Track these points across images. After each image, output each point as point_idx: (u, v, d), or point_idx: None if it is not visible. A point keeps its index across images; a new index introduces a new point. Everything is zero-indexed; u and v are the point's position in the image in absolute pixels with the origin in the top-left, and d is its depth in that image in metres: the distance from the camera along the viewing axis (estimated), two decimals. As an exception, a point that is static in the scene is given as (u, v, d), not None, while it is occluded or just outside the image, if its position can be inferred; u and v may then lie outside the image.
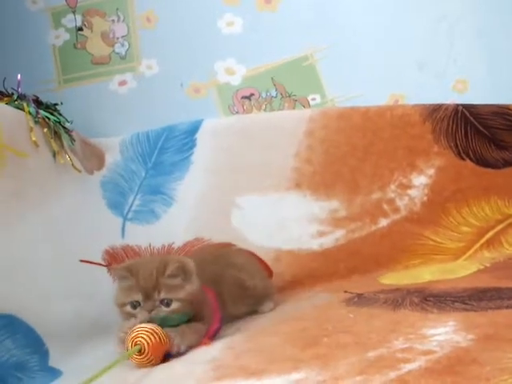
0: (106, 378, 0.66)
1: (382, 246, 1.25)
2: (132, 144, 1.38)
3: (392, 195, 1.29)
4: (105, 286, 0.95)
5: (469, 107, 1.32)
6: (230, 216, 1.30)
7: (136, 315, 0.78)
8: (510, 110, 1.32)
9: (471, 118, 1.31)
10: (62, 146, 1.16)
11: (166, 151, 1.37)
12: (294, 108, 1.46)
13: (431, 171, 1.29)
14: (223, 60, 1.49)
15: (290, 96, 1.47)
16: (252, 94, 1.48)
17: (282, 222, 1.30)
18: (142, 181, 1.33)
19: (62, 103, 1.23)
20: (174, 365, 0.70)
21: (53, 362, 0.82)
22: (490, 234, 1.24)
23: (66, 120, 1.24)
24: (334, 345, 0.66)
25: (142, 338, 0.71)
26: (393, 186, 1.29)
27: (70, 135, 1.22)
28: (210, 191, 1.32)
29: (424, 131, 1.32)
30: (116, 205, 1.27)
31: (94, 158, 1.33)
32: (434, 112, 1.33)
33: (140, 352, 0.71)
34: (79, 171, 1.17)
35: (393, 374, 0.51)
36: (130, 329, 0.74)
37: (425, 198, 1.28)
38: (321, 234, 1.28)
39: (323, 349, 0.65)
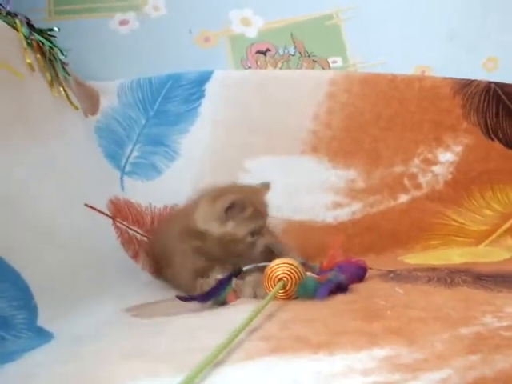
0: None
1: (401, 222, 1.16)
2: (132, 89, 1.23)
3: (415, 170, 1.20)
4: (109, 239, 0.81)
5: (502, 86, 1.23)
6: (238, 179, 1.17)
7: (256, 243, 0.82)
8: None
9: (504, 97, 1.22)
10: (56, 76, 1.00)
11: (171, 100, 1.22)
12: (313, 69, 1.34)
13: (459, 148, 1.20)
14: (240, 9, 1.35)
15: (309, 56, 1.34)
16: (268, 50, 1.35)
17: (294, 189, 1.18)
18: (142, 129, 1.19)
19: (59, 29, 1.07)
20: (211, 334, 0.58)
21: (42, 320, 0.67)
22: (513, 220, 1.17)
23: (61, 52, 1.07)
24: (406, 319, 0.55)
25: (285, 273, 0.70)
26: (417, 161, 1.20)
27: (64, 68, 1.06)
28: (218, 148, 1.19)
29: (454, 105, 1.22)
30: (113, 155, 1.12)
31: (87, 100, 1.17)
32: (465, 87, 1.23)
33: (284, 287, 0.69)
34: (76, 108, 1.02)
35: (521, 356, 0.41)
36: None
37: (449, 177, 1.19)
38: (336, 205, 1.17)
39: (394, 323, 0.54)
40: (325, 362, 0.44)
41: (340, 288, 0.72)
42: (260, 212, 0.84)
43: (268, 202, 0.88)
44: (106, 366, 0.50)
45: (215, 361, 0.44)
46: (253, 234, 0.82)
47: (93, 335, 0.65)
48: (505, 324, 0.50)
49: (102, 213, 0.89)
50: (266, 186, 0.91)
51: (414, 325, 0.53)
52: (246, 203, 0.81)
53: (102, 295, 0.79)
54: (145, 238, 1.03)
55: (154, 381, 0.44)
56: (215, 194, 0.83)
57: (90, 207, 0.85)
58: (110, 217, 0.93)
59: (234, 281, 0.74)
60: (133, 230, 1.00)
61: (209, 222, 0.82)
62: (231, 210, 0.80)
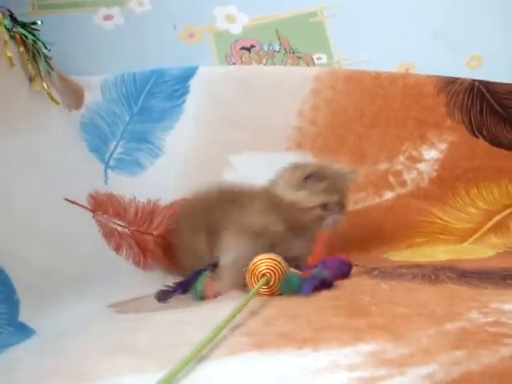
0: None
1: (386, 220, 1.16)
2: (116, 85, 1.21)
3: (399, 167, 1.20)
4: (90, 234, 0.79)
5: (485, 84, 1.24)
6: (223, 176, 1.16)
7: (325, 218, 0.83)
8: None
9: (488, 96, 1.23)
10: (38, 70, 0.98)
11: (155, 96, 1.20)
12: (297, 65, 1.33)
13: (443, 146, 1.20)
14: (224, 5, 1.33)
15: (294, 52, 1.34)
16: (253, 46, 1.34)
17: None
18: (126, 126, 1.17)
19: (42, 23, 1.04)
20: (195, 330, 0.57)
21: (23, 316, 0.66)
22: (497, 218, 1.18)
23: (45, 46, 1.05)
24: (391, 315, 0.54)
25: (268, 268, 0.69)
26: (401, 158, 1.20)
27: (47, 62, 1.04)
28: (202, 144, 1.17)
29: (437, 103, 1.22)
30: (97, 150, 1.10)
31: (71, 95, 1.15)
32: (448, 85, 1.24)
33: (267, 283, 0.69)
34: (57, 103, 0.99)
35: (507, 350, 0.40)
36: None
37: (434, 174, 1.19)
38: (321, 202, 1.17)
39: (379, 319, 0.54)
40: (309, 358, 0.43)
41: (324, 284, 0.71)
42: (336, 188, 0.84)
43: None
44: (89, 362, 0.49)
45: (199, 356, 0.44)
46: (324, 207, 0.83)
47: (76, 330, 0.64)
48: (490, 320, 0.50)
49: (82, 206, 0.88)
50: (353, 173, 0.93)
51: (399, 321, 0.52)
52: (324, 176, 0.83)
53: (85, 289, 0.78)
54: (126, 230, 1.02)
55: (138, 376, 0.43)
56: (297, 166, 0.86)
57: (70, 201, 0.83)
58: (90, 210, 0.91)
59: (209, 272, 0.75)
60: (114, 222, 0.99)
61: (285, 189, 0.84)
62: (309, 179, 0.82)
